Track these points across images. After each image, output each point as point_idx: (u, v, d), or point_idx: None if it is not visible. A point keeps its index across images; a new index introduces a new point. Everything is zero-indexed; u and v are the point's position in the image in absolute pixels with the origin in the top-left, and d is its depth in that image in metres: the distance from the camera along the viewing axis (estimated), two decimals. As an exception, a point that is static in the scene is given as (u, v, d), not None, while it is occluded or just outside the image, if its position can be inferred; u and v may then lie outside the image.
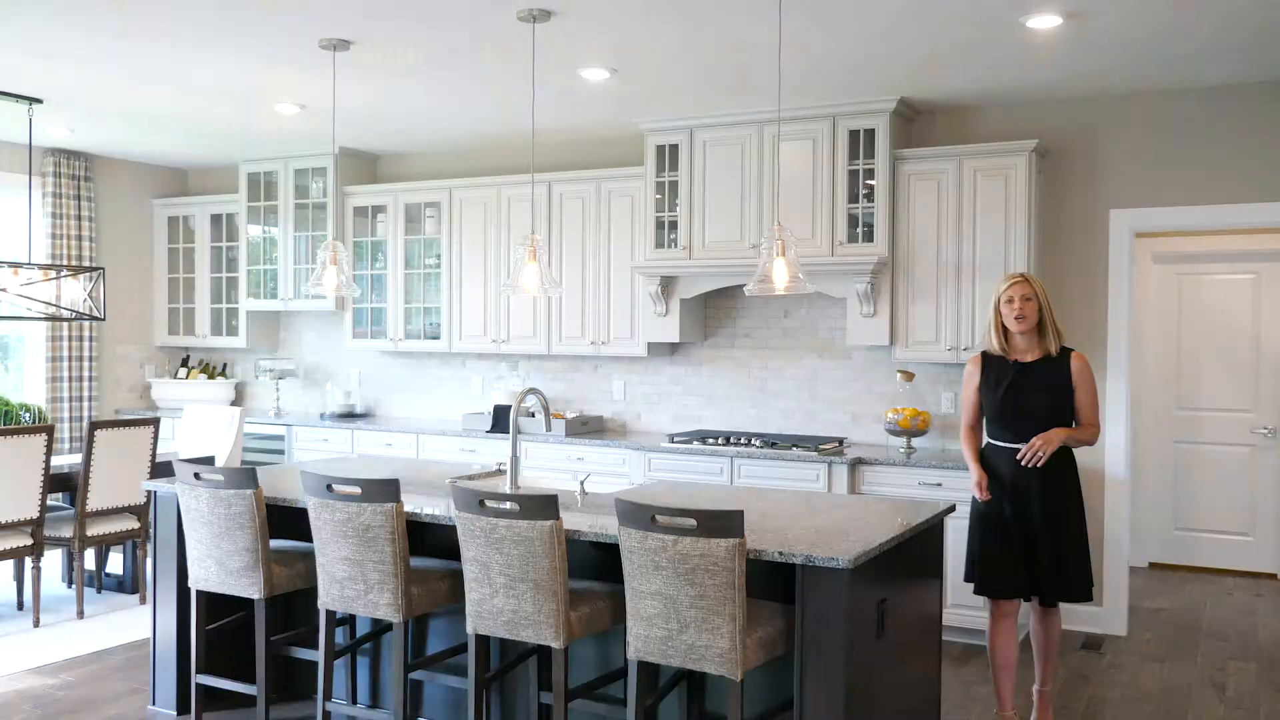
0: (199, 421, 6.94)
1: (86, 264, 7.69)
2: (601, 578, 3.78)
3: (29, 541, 5.50)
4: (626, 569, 3.18)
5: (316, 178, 7.60)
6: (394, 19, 4.47)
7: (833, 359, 6.25)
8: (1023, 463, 3.94)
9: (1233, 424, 7.14)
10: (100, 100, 6.09)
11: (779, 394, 6.40)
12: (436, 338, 7.21)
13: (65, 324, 7.58)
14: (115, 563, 6.61)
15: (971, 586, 4.16)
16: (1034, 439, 3.92)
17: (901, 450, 5.68)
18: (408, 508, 3.79)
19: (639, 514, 3.12)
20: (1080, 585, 4.03)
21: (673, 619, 3.10)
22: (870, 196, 5.72)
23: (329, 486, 3.69)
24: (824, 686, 3.10)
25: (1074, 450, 4.07)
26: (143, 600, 6.05)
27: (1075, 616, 5.67)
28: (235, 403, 8.33)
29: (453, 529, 3.98)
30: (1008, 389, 4.01)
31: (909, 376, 5.79)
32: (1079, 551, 4.04)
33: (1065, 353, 4.05)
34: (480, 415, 6.82)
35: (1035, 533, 3.99)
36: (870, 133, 5.70)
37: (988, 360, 4.12)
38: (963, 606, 5.21)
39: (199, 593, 4.10)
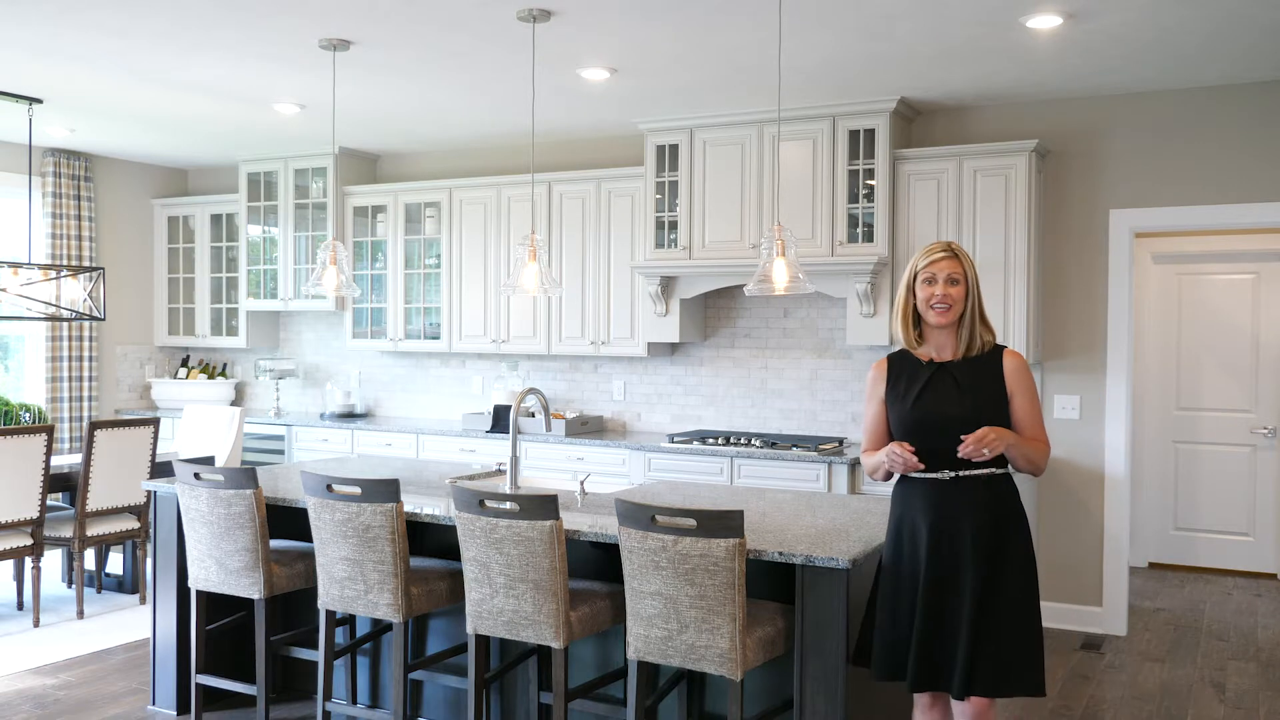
0: (199, 421, 6.94)
1: (86, 264, 7.69)
2: (601, 578, 3.79)
3: (29, 541, 5.50)
4: (626, 569, 3.18)
5: (316, 178, 7.60)
6: (394, 19, 4.48)
7: (833, 359, 6.25)
8: (960, 453, 2.87)
9: (1233, 424, 7.14)
10: (100, 100, 6.09)
11: (779, 394, 6.41)
12: (436, 338, 7.21)
13: (65, 324, 7.58)
14: (115, 563, 6.62)
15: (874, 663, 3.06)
16: (981, 429, 2.87)
17: (901, 450, 5.67)
18: (408, 508, 3.79)
19: (639, 514, 3.12)
20: (1008, 673, 2.88)
21: (673, 619, 3.10)
22: (870, 196, 5.72)
23: (329, 486, 3.69)
24: (824, 686, 3.10)
25: (1016, 481, 3.06)
26: (143, 600, 6.05)
27: (1076, 616, 5.68)
28: (235, 403, 8.33)
29: (453, 529, 3.99)
30: (919, 395, 3.01)
31: (909, 376, 5.78)
32: (1017, 626, 2.90)
33: (996, 350, 3.05)
34: (480, 415, 6.82)
35: (955, 597, 2.92)
36: (870, 133, 5.71)
37: (895, 364, 3.12)
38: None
39: (199, 593, 4.11)
